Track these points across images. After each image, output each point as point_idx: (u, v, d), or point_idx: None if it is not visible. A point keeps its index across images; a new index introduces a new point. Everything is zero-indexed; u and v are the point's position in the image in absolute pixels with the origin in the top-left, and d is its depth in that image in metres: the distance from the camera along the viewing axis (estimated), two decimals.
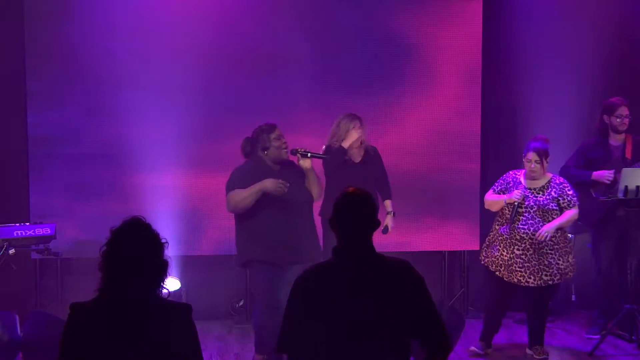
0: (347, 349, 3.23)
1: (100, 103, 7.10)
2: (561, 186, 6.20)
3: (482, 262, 6.33)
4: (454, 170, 7.49)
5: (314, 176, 5.90)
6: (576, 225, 7.40)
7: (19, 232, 5.62)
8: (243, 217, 5.73)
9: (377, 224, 3.40)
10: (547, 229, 6.05)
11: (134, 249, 3.08)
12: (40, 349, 5.28)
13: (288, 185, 5.63)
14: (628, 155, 6.73)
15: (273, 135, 5.77)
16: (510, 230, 6.13)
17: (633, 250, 6.70)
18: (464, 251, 7.68)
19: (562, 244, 6.18)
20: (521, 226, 6.11)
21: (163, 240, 3.15)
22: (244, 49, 7.23)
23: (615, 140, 6.81)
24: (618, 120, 6.73)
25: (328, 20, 7.34)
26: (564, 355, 6.45)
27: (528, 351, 6.40)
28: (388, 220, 6.65)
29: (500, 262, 6.14)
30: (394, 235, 7.33)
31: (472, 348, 6.38)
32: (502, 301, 6.36)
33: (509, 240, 6.14)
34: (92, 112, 7.11)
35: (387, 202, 6.70)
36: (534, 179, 6.19)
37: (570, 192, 6.19)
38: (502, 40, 7.74)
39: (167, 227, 6.48)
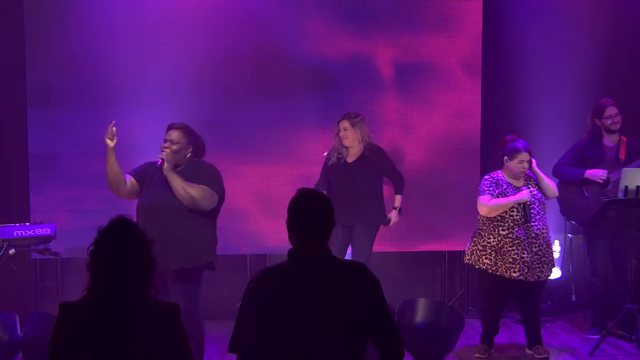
0: (297, 351, 3.19)
1: (101, 102, 7.09)
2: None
3: (489, 270, 6.15)
4: (454, 170, 7.48)
5: (175, 182, 5.32)
6: (572, 226, 7.41)
7: (19, 232, 5.60)
8: None
9: (332, 225, 3.32)
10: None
11: (120, 248, 3.11)
12: (40, 349, 5.27)
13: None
14: (622, 156, 6.74)
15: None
16: (525, 230, 6.13)
17: (633, 251, 6.69)
18: (464, 251, 7.65)
19: None
20: (533, 224, 6.12)
21: (149, 240, 3.17)
22: (249, 49, 7.24)
23: (609, 140, 6.81)
24: (609, 121, 6.73)
25: (327, 21, 7.34)
26: (564, 355, 6.44)
27: (528, 351, 6.39)
28: (392, 215, 6.68)
29: (522, 266, 6.09)
30: (394, 235, 7.33)
31: (477, 355, 6.33)
32: (504, 303, 6.38)
33: (526, 241, 6.13)
34: (93, 111, 7.09)
35: (397, 197, 6.72)
36: (519, 178, 6.20)
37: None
38: (502, 40, 7.74)
39: None
